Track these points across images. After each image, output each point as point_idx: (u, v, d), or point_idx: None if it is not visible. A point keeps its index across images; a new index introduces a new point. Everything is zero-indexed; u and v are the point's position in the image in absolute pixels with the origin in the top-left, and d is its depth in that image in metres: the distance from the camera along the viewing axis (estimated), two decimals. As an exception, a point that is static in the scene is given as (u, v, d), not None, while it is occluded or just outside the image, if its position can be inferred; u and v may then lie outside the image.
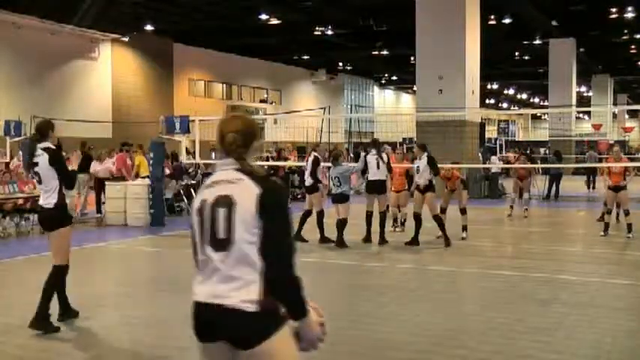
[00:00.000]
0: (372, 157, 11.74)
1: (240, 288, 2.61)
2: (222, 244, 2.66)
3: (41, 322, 6.02)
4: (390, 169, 11.90)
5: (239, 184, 2.68)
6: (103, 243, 12.29)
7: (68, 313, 6.47)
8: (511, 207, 15.93)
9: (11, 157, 19.35)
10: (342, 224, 11.41)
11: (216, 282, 2.65)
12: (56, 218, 6.25)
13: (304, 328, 2.67)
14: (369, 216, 11.84)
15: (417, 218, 11.46)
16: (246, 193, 2.65)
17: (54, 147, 6.32)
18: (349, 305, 7.37)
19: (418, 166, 11.69)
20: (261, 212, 2.62)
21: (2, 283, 8.80)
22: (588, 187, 24.93)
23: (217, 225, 2.67)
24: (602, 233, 12.67)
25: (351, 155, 25.63)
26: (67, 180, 6.29)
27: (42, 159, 6.18)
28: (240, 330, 2.60)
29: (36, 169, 6.22)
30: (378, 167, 11.64)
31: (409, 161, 14.03)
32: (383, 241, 11.64)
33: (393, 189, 12.81)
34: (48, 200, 6.24)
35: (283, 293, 2.65)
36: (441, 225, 11.43)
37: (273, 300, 2.61)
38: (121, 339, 6.17)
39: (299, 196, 19.49)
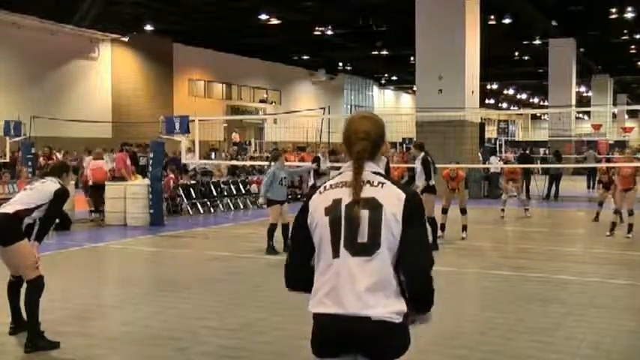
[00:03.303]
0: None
1: (387, 298, 2.44)
2: (364, 249, 2.46)
3: (37, 342, 5.67)
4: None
5: (382, 188, 2.53)
6: (103, 243, 12.28)
7: (21, 325, 5.99)
8: (502, 209, 15.92)
9: (12, 158, 19.35)
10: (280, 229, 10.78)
11: (356, 291, 2.43)
12: (12, 228, 5.72)
13: (422, 317, 2.60)
14: None
15: None
16: (393, 198, 2.50)
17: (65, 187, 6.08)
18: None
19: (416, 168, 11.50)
20: (406, 217, 2.48)
21: (2, 284, 8.79)
22: (588, 187, 24.92)
23: (359, 228, 2.47)
24: (608, 233, 12.63)
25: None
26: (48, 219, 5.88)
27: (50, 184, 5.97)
28: (385, 343, 2.44)
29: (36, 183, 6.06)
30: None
31: (405, 161, 14.01)
32: None
33: None
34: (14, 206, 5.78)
35: (424, 298, 2.55)
36: (434, 230, 10.93)
37: (411, 310, 2.51)
38: (121, 339, 6.16)
39: (299, 196, 19.53)
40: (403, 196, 2.51)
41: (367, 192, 2.51)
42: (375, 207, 2.48)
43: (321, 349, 2.53)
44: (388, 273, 2.47)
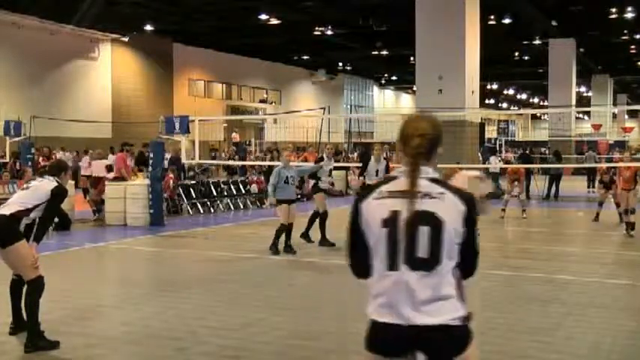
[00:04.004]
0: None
1: (446, 306, 2.47)
2: (424, 264, 2.47)
3: (37, 342, 5.67)
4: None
5: (443, 200, 2.50)
6: (103, 243, 12.28)
7: (21, 324, 5.97)
8: (503, 209, 15.94)
9: (14, 158, 19.33)
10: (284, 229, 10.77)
11: (415, 304, 2.45)
12: (10, 229, 5.71)
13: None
14: None
15: None
16: (453, 211, 2.50)
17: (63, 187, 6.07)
18: (350, 305, 7.36)
19: None
20: (465, 228, 2.51)
21: (1, 285, 8.80)
22: (588, 187, 24.92)
23: (418, 243, 2.46)
24: (630, 233, 12.55)
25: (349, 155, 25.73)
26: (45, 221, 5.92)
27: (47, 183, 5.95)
28: (444, 344, 2.47)
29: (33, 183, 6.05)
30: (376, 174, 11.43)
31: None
32: None
33: None
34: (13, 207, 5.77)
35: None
36: None
37: (469, 312, 2.54)
38: (121, 339, 6.16)
39: (299, 196, 19.53)
40: (463, 208, 2.50)
41: (427, 205, 2.48)
42: (436, 224, 2.46)
43: (376, 348, 2.53)
44: (448, 284, 2.49)
